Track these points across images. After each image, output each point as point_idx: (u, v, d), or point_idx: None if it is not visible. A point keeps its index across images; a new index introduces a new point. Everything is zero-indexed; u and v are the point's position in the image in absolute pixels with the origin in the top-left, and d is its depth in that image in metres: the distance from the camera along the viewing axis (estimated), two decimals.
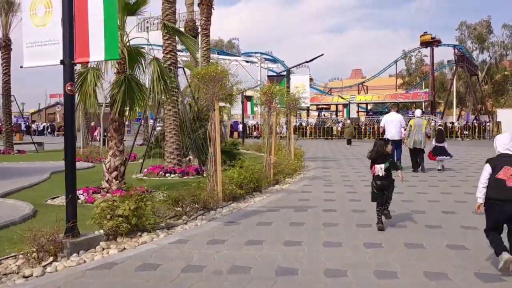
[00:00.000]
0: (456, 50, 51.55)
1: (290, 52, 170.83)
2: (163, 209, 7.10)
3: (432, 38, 49.51)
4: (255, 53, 63.92)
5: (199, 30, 18.72)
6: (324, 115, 58.21)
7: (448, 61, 67.06)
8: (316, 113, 59.69)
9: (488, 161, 4.79)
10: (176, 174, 12.94)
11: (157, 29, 68.03)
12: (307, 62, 19.57)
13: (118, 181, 9.54)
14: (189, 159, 15.97)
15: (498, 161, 4.71)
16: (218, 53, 69.85)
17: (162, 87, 9.56)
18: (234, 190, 8.50)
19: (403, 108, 68.56)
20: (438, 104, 63.22)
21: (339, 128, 42.55)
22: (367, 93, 57.55)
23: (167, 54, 13.52)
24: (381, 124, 14.61)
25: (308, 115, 56.71)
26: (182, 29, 22.32)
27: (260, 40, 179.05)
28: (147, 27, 67.81)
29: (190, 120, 15.30)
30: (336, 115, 53.64)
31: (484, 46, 66.80)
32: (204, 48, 18.58)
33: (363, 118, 50.64)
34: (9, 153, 23.99)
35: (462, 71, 55.97)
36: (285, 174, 12.14)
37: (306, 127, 46.74)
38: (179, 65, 13.80)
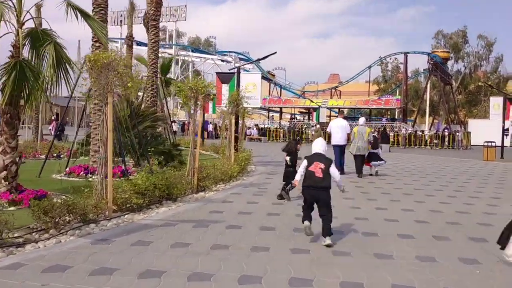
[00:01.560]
0: (429, 58, 51.12)
1: (274, 55, 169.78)
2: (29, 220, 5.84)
3: None
4: (230, 52, 62.68)
5: (148, 21, 17.42)
6: (296, 118, 57.31)
7: (424, 70, 66.97)
8: (289, 116, 58.80)
9: (305, 157, 6.28)
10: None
11: (140, 23, 66.69)
12: (259, 60, 18.40)
13: (8, 183, 8.22)
14: (123, 159, 14.67)
15: (312, 158, 6.19)
16: (192, 51, 68.56)
17: (63, 75, 8.29)
18: (130, 199, 7.25)
19: (377, 114, 68.45)
20: (412, 112, 63.00)
21: (313, 133, 41.66)
22: (340, 98, 56.74)
23: (95, 42, 12.20)
24: (328, 130, 14.95)
25: (280, 118, 55.71)
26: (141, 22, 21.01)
27: (243, 41, 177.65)
28: (121, 21, 66.40)
29: (126, 117, 14.07)
30: (309, 119, 52.73)
31: (459, 56, 66.94)
32: (152, 41, 17.30)
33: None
34: None
35: (436, 80, 55.69)
36: (217, 180, 10.96)
37: (277, 129, 45.76)
38: None
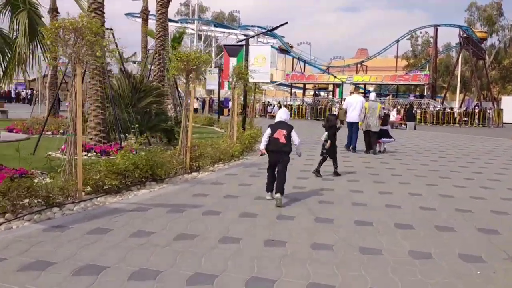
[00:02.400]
0: (461, 31, 48.79)
1: (299, 29, 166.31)
2: None
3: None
4: (252, 26, 61.37)
5: None
6: (320, 95, 55.99)
7: (456, 44, 64.28)
8: (312, 93, 57.53)
9: (269, 126, 7.03)
10: (95, 153, 11.17)
11: None
12: (269, 30, 17.46)
13: None
14: (125, 136, 14.18)
15: (275, 126, 6.93)
16: (215, 26, 67.51)
17: (39, 44, 7.71)
18: (102, 180, 6.67)
19: (406, 91, 66.30)
20: (442, 88, 60.72)
21: (338, 110, 40.49)
22: (366, 73, 54.96)
23: (91, 12, 11.56)
24: (343, 106, 14.57)
25: (304, 94, 54.55)
26: None
27: (268, 15, 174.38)
28: None
29: (128, 92, 13.53)
30: (333, 95, 51.40)
31: (494, 29, 63.78)
32: (159, 12, 16.58)
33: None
34: None
35: (468, 54, 53.28)
36: (215, 159, 10.33)
37: (299, 106, 44.78)
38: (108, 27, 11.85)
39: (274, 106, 45.47)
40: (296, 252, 4.56)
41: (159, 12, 16.55)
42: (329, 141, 9.25)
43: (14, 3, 8.09)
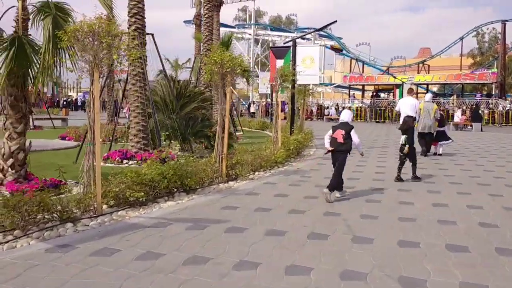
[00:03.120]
0: None
1: (358, 30, 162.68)
2: None
3: None
4: (309, 28, 60.35)
5: None
6: (379, 96, 54.05)
7: None
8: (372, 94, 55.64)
9: (332, 126, 7.52)
10: (135, 161, 10.92)
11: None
12: (317, 30, 16.56)
13: (15, 171, 7.61)
14: (170, 142, 13.91)
15: (336, 127, 7.38)
16: (271, 30, 67.24)
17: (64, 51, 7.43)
18: (123, 192, 6.24)
19: (473, 90, 62.70)
20: None
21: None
22: (428, 73, 52.43)
23: (131, 17, 11.36)
24: (396, 109, 13.65)
25: (363, 96, 52.91)
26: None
27: (327, 18, 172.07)
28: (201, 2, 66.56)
29: (172, 98, 13.24)
30: (393, 96, 49.42)
31: None
32: (206, 16, 16.27)
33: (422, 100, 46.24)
34: None
35: None
36: (256, 166, 9.74)
37: (358, 108, 43.38)
38: (148, 32, 11.61)
39: (331, 108, 44.39)
40: (320, 283, 3.86)
41: (206, 16, 16.25)
42: (407, 146, 8.90)
43: (45, 10, 7.91)
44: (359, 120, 41.00)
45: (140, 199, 6.46)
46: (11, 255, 4.44)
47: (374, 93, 52.73)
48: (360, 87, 53.65)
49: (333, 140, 7.24)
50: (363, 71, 56.03)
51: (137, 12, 11.38)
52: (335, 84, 60.22)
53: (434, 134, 13.25)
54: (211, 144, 13.17)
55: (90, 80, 5.96)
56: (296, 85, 14.59)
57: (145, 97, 11.52)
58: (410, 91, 13.39)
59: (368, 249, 4.74)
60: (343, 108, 43.67)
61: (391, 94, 51.77)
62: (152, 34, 11.76)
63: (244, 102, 60.07)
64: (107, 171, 7.49)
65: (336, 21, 14.46)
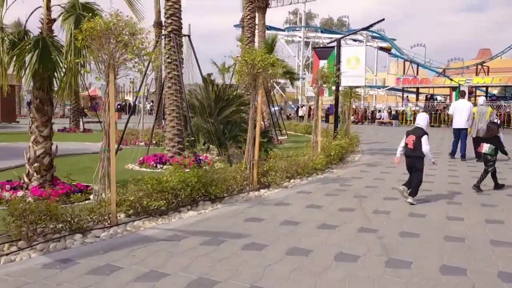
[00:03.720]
0: None
1: (414, 32, 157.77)
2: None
3: None
4: (360, 30, 58.81)
5: None
6: (436, 99, 51.82)
7: None
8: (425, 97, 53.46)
9: (406, 131, 7.30)
10: (170, 165, 10.60)
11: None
12: (363, 29, 15.75)
13: (40, 176, 7.42)
14: (208, 147, 13.55)
15: (409, 132, 7.20)
16: (322, 32, 66.19)
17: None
18: (138, 201, 5.83)
19: None
20: None
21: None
22: (487, 74, 49.70)
23: (167, 18, 11.10)
24: (450, 112, 13.61)
25: (417, 99, 50.93)
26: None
27: (387, 21, 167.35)
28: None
29: (210, 101, 12.88)
30: (450, 99, 47.16)
31: None
32: (248, 17, 15.84)
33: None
34: (74, 131, 23.96)
35: None
36: (292, 173, 9.17)
37: (414, 112, 41.73)
38: (184, 33, 11.28)
39: (383, 112, 42.99)
40: None
41: (248, 17, 15.84)
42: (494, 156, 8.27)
43: (72, 11, 7.71)
44: (410, 124, 39.45)
45: (160, 208, 6.05)
46: (6, 269, 4.10)
47: (429, 96, 50.67)
48: (414, 89, 51.69)
49: (405, 146, 7.13)
50: (417, 73, 54.03)
51: (173, 13, 11.09)
52: (388, 86, 58.37)
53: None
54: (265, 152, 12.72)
55: (105, 82, 5.61)
56: (340, 87, 13.87)
57: (181, 101, 11.22)
58: (463, 94, 13.28)
59: (403, 276, 4.07)
60: (390, 112, 42.12)
61: (448, 97, 49.56)
62: (189, 36, 11.45)
63: (293, 105, 59.41)
64: (137, 175, 7.13)
65: (383, 19, 13.63)
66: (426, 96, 50.01)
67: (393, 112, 42.74)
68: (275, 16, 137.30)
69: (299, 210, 6.55)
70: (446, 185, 8.75)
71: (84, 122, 25.85)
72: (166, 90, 11.29)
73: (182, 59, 11.38)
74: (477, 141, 12.13)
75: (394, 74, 67.10)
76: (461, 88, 38.12)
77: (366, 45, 58.94)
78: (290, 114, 51.93)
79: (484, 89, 49.05)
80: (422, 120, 7.22)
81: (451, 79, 41.80)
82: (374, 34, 60.01)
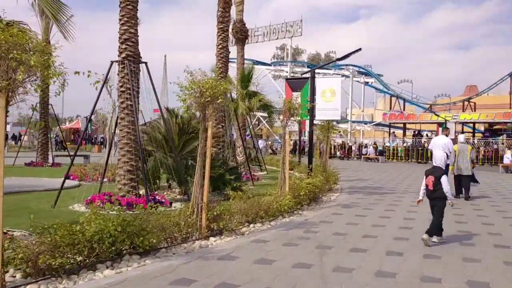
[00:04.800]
0: None
1: (402, 68, 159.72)
2: None
3: None
4: (347, 65, 58.84)
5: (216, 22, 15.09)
6: (426, 135, 51.26)
7: None
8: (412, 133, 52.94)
9: (425, 171, 7.20)
10: (119, 206, 9.41)
11: (247, 42, 66.54)
12: (338, 60, 14.76)
13: None
14: (170, 185, 12.41)
15: (427, 172, 7.09)
16: (308, 67, 66.07)
17: None
18: (30, 259, 4.64)
19: None
20: None
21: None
22: (474, 111, 49.42)
23: (122, 43, 10.12)
24: (429, 147, 13.68)
25: (404, 135, 50.32)
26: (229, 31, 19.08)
27: (372, 58, 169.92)
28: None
29: (172, 134, 11.82)
30: (436, 135, 46.60)
31: None
32: (220, 46, 14.97)
33: (475, 140, 43.33)
34: (41, 165, 22.69)
35: None
36: (252, 217, 8.04)
37: (397, 148, 40.96)
38: (141, 60, 10.29)
39: (369, 147, 42.17)
40: None
41: (220, 46, 14.95)
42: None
43: None
44: (399, 160, 38.61)
45: (66, 267, 4.85)
46: None
47: (417, 132, 50.19)
48: (401, 125, 51.19)
49: (426, 187, 7.00)
50: (404, 109, 53.65)
51: (128, 38, 10.15)
52: (375, 122, 57.93)
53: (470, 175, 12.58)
54: (215, 187, 11.59)
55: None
56: (316, 120, 12.92)
57: (135, 133, 10.14)
58: (446, 130, 13.20)
59: None
60: (376, 147, 41.25)
61: (435, 133, 49.03)
62: (146, 63, 10.46)
63: (279, 140, 58.51)
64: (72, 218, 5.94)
65: (360, 49, 12.80)
66: (414, 132, 49.50)
67: (380, 148, 41.95)
68: (263, 51, 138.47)
69: (244, 267, 5.38)
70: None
71: (54, 155, 24.64)
72: (120, 121, 10.22)
73: (138, 88, 10.37)
74: (459, 178, 12.65)
75: (382, 109, 66.93)
76: (448, 124, 37.61)
77: (354, 81, 59.03)
78: (276, 149, 51.04)
79: (471, 125, 48.68)
80: (438, 159, 7.43)
81: (438, 115, 41.34)
82: (361, 70, 60.01)
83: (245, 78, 18.46)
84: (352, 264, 5.56)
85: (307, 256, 5.92)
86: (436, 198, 6.88)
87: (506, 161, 27.29)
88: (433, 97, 73.29)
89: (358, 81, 60.60)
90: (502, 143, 39.44)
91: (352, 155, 43.60)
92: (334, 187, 14.80)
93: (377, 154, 39.85)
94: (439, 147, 12.36)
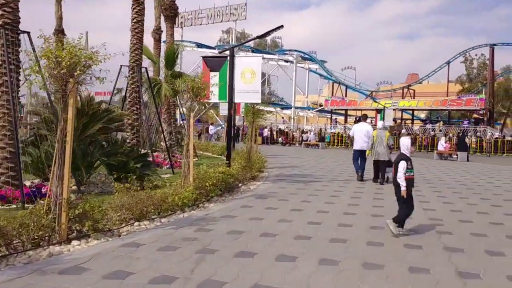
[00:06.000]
0: None
1: (348, 56, 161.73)
2: None
3: None
4: (291, 50, 58.17)
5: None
6: (370, 121, 51.50)
7: None
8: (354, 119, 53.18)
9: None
10: None
11: (190, 25, 64.37)
12: (259, 37, 13.89)
13: None
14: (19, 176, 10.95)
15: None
16: (252, 51, 64.90)
17: None
18: None
19: (462, 117, 60.33)
20: (502, 114, 54.64)
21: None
22: (413, 98, 50.11)
23: None
24: (350, 134, 14.14)
25: (346, 121, 50.41)
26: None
27: (322, 45, 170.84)
28: (181, 22, 64.11)
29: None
30: (375, 122, 46.82)
31: None
32: (134, 20, 13.52)
33: (416, 127, 43.93)
34: None
35: None
36: (138, 213, 6.86)
37: (338, 134, 40.74)
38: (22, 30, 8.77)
39: (310, 133, 41.78)
40: None
41: (134, 20, 13.51)
42: None
43: None
44: (339, 146, 38.41)
45: None
46: None
47: (358, 118, 50.35)
48: (344, 112, 51.26)
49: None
50: (346, 95, 53.75)
51: (5, 3, 8.59)
52: (317, 108, 57.76)
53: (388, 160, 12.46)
54: (120, 175, 10.28)
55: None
56: (235, 103, 11.82)
57: (15, 114, 8.66)
58: (365, 118, 13.63)
59: None
60: (320, 133, 40.91)
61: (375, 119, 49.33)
62: (28, 33, 8.93)
63: (223, 125, 57.22)
64: None
65: (282, 26, 11.72)
66: (355, 118, 49.63)
67: (325, 134, 41.65)
68: (213, 35, 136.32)
69: (87, 283, 4.21)
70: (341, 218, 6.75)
71: None
72: None
73: (19, 62, 8.86)
74: (376, 163, 12.71)
75: (327, 96, 67.01)
76: (387, 111, 37.69)
77: (299, 67, 58.33)
78: (221, 135, 49.95)
79: (410, 112, 49.35)
80: (402, 145, 6.66)
81: (377, 102, 41.40)
82: (305, 56, 59.44)
83: (170, 58, 17.06)
84: (228, 276, 4.51)
85: (178, 266, 4.81)
86: (395, 186, 6.57)
87: (440, 147, 27.40)
88: (376, 84, 74.07)
89: (302, 67, 60.13)
90: (440, 130, 40.11)
91: (295, 141, 43.08)
92: (260, 175, 13.87)
93: (318, 140, 39.48)
94: (360, 133, 13.06)
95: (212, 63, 11.85)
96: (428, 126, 42.46)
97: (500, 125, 45.57)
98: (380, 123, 14.41)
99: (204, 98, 9.11)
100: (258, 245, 5.67)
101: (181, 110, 22.75)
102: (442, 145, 27.44)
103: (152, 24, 22.06)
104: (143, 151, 12.62)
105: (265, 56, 64.44)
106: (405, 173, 6.40)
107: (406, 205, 6.49)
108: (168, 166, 14.67)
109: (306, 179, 13.38)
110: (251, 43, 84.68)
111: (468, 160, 24.84)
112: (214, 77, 11.48)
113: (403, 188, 6.43)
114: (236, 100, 12.23)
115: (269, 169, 16.10)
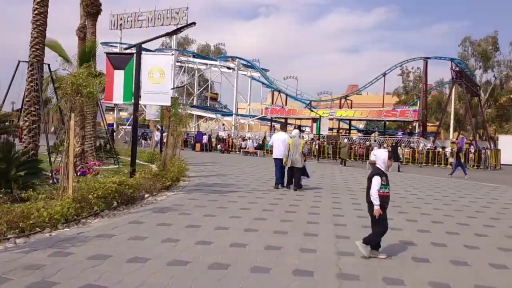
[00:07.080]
0: (453, 65, 44.69)
1: (296, 67, 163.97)
2: None
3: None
4: (232, 57, 57.50)
5: None
6: (304, 130, 51.51)
7: (449, 80, 60.47)
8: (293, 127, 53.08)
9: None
10: None
11: (130, 27, 62.29)
12: (168, 34, 12.95)
13: None
14: None
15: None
16: (194, 56, 63.81)
17: None
18: None
19: (398, 128, 61.79)
20: (437, 126, 56.40)
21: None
22: (350, 108, 50.64)
23: None
24: (270, 143, 15.33)
25: (285, 130, 50.07)
26: None
27: (270, 55, 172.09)
28: (120, 24, 61.95)
29: None
30: (311, 130, 46.82)
31: (489, 65, 60.00)
32: (36, 12, 12.08)
33: (355, 137, 44.25)
34: None
35: (462, 90, 49.12)
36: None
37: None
38: None
39: (249, 141, 41.07)
40: None
41: (36, 12, 12.08)
42: None
43: None
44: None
45: None
46: None
47: (296, 127, 50.27)
48: (284, 120, 51.01)
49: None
50: (286, 104, 53.63)
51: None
52: (257, 116, 57.30)
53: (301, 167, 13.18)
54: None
55: None
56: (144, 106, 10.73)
57: None
58: (283, 127, 14.52)
59: None
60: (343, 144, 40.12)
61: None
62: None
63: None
64: None
65: (194, 23, 10.80)
66: (294, 127, 49.50)
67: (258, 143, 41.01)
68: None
69: None
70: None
71: None
72: None
73: None
74: (291, 170, 13.18)
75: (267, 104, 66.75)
76: (323, 120, 37.60)
77: (241, 74, 57.68)
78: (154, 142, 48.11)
79: (347, 122, 49.77)
80: (377, 158, 6.08)
81: (313, 111, 41.30)
82: (247, 63, 58.89)
83: (85, 56, 15.66)
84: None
85: None
86: (368, 203, 5.98)
87: (372, 157, 27.29)
88: (316, 94, 74.76)
89: (245, 75, 59.58)
90: (375, 140, 40.55)
91: (236, 149, 42.13)
92: (178, 185, 12.85)
93: (256, 148, 38.80)
94: (279, 142, 13.59)
95: (116, 61, 10.70)
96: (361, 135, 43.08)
97: (433, 136, 46.71)
98: (295, 132, 14.51)
99: (93, 97, 7.95)
100: (116, 277, 4.64)
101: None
102: (373, 155, 27.32)
103: (78, 22, 20.57)
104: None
105: (208, 62, 63.67)
106: (379, 190, 5.72)
107: (379, 224, 5.87)
108: (80, 174, 13.32)
109: (225, 189, 12.50)
110: (195, 49, 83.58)
111: (399, 171, 24.85)
112: (119, 76, 10.35)
113: (376, 207, 5.77)
114: (143, 102, 11.17)
115: (193, 177, 15.13)
